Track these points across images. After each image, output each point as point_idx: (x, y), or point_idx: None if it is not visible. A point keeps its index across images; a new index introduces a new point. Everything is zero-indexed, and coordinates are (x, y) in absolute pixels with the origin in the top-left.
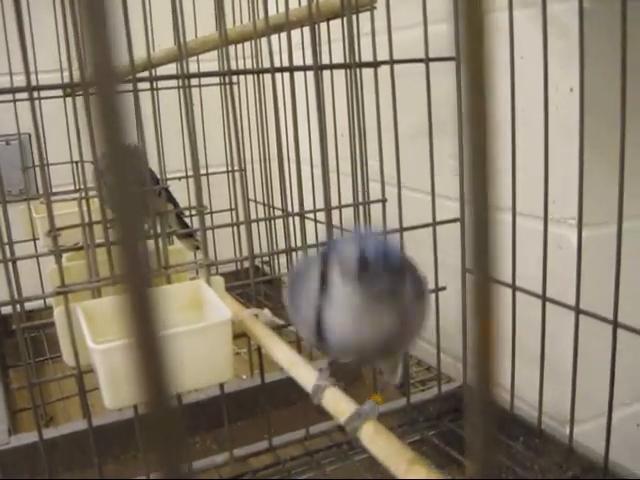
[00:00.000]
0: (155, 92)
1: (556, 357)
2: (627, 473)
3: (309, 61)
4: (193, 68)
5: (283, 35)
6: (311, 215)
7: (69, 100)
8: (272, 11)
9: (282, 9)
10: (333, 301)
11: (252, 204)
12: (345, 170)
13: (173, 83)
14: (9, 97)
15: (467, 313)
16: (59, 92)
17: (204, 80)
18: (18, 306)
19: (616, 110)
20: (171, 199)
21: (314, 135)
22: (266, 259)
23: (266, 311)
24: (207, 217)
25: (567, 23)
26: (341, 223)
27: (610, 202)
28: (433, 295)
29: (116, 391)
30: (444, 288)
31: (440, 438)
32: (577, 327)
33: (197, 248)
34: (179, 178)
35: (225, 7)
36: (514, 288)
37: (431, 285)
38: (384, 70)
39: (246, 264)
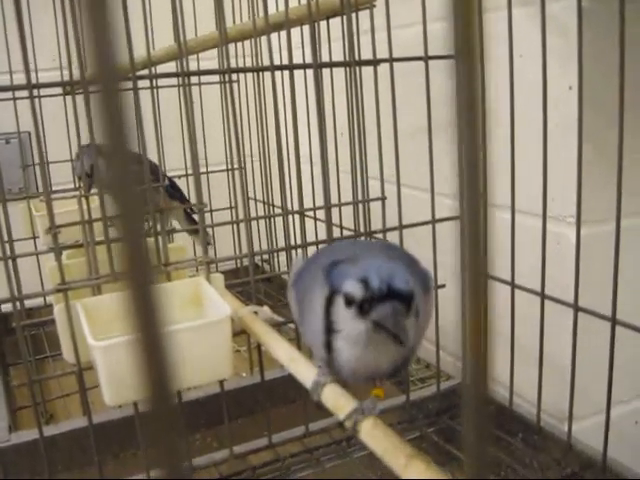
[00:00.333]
0: (155, 90)
1: (555, 354)
2: (625, 470)
3: (309, 59)
4: (193, 67)
5: (283, 34)
6: (311, 213)
7: (69, 99)
8: (272, 9)
9: (282, 7)
10: (339, 331)
11: (252, 202)
12: (345, 168)
13: (173, 81)
14: (9, 95)
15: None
16: (59, 90)
17: (204, 78)
18: (18, 304)
19: (615, 108)
20: (177, 196)
21: (314, 133)
22: (266, 257)
23: (265, 308)
24: (207, 216)
25: (566, 21)
26: (340, 221)
27: (609, 200)
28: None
29: (116, 388)
30: (443, 286)
31: (439, 435)
32: (576, 324)
33: (208, 244)
34: (179, 176)
35: (225, 6)
36: (513, 285)
37: None
38: (384, 68)
39: (245, 262)
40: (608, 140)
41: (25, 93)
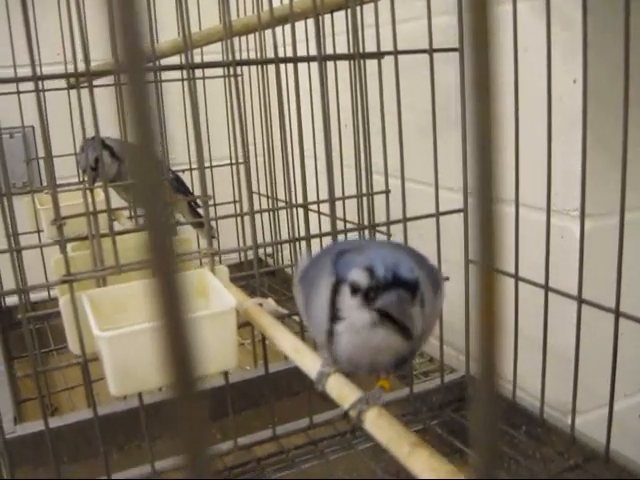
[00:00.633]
0: (159, 84)
1: (558, 347)
2: (628, 463)
3: (313, 53)
4: (197, 61)
5: (287, 28)
6: (315, 207)
7: (73, 93)
8: (276, 3)
9: (286, 1)
10: (343, 320)
11: (256, 196)
12: (349, 162)
13: (177, 75)
14: (13, 89)
15: (471, 304)
16: (63, 84)
17: (208, 72)
18: (23, 296)
19: (619, 101)
20: (181, 189)
21: (318, 127)
22: (269, 251)
23: (270, 300)
24: (211, 210)
25: (570, 15)
26: (344, 214)
27: (612, 194)
28: None
29: (121, 378)
30: (447, 279)
31: (443, 427)
32: (579, 317)
33: (213, 237)
34: (183, 170)
35: None
36: (517, 278)
37: None
38: (388, 62)
39: (250, 256)
40: (612, 134)
41: (29, 87)
